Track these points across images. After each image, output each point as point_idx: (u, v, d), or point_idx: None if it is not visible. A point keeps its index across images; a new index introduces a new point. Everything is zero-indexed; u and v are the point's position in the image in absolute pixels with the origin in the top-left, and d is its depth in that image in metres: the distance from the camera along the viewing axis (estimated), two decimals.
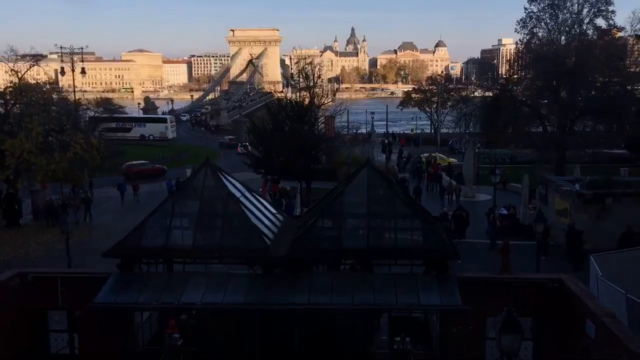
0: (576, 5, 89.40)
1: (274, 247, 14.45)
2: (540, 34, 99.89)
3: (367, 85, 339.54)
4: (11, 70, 32.33)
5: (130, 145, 71.40)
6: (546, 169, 42.27)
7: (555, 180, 29.09)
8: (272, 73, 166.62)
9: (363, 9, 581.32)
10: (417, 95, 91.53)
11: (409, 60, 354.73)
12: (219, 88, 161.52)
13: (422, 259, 14.01)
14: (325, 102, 46.24)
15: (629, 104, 38.59)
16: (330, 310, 13.48)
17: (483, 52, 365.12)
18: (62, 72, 65.16)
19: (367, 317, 14.63)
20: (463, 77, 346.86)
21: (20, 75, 32.43)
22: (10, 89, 32.96)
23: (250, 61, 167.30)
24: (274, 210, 16.78)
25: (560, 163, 38.17)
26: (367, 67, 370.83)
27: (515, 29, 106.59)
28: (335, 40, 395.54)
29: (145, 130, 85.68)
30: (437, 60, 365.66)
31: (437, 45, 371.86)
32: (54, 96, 41.08)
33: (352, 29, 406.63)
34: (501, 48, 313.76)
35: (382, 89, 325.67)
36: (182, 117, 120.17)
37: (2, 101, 31.80)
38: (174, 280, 14.22)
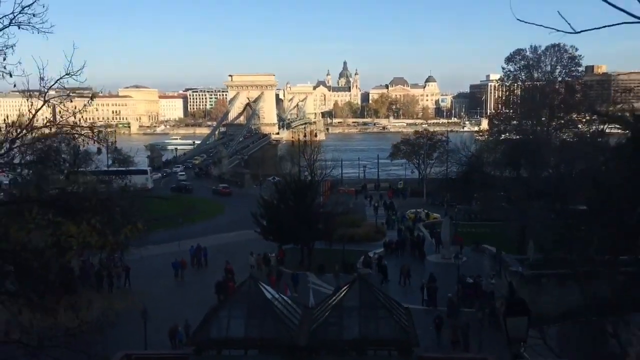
0: (549, 66, 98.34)
1: (296, 337, 21.68)
2: (517, 92, 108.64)
3: (360, 120, 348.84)
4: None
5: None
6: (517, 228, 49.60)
7: (507, 260, 36.47)
8: (268, 116, 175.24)
9: (354, 42, 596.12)
10: (405, 147, 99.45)
11: (400, 95, 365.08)
12: (217, 131, 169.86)
13: (394, 346, 21.32)
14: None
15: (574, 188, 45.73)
16: None
17: (472, 87, 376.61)
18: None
19: None
20: (453, 111, 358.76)
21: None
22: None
23: (247, 104, 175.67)
24: (295, 307, 24.07)
25: (521, 235, 45.04)
26: (359, 102, 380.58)
27: (496, 87, 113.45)
28: (328, 74, 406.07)
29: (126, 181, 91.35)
30: (427, 95, 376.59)
31: (427, 80, 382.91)
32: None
33: (345, 63, 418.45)
34: (489, 83, 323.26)
35: (374, 124, 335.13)
36: (175, 168, 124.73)
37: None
38: None
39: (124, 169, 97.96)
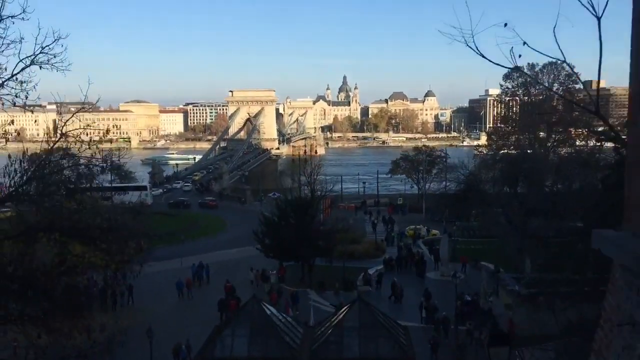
0: (546, 83, 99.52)
1: (298, 355, 22.38)
2: (515, 109, 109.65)
3: (360, 134, 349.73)
4: None
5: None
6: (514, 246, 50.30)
7: (503, 278, 37.18)
8: (268, 131, 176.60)
9: (354, 56, 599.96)
10: (404, 164, 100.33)
11: (400, 110, 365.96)
12: (218, 146, 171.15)
13: None
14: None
15: (571, 205, 46.50)
16: None
17: (471, 101, 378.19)
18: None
19: None
20: (452, 125, 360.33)
21: None
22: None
23: (248, 119, 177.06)
24: (296, 326, 24.80)
25: (519, 253, 45.62)
26: (359, 116, 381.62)
27: (494, 103, 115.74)
28: (328, 89, 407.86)
29: (126, 197, 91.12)
30: (426, 109, 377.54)
31: (426, 95, 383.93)
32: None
33: (344, 77, 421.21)
34: (488, 98, 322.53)
35: (374, 138, 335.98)
36: (176, 184, 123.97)
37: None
38: None
39: (123, 185, 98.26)
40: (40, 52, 14.02)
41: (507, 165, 56.03)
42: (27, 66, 14.05)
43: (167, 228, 72.87)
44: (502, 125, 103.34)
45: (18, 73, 14.02)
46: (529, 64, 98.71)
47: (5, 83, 14.01)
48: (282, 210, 49.58)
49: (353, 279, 47.30)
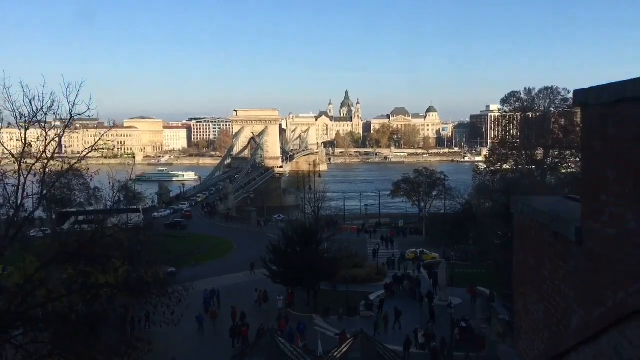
0: (542, 107, 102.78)
1: None
2: (512, 132, 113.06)
3: (362, 150, 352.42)
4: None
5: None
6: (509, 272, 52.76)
7: (495, 307, 39.85)
8: (272, 150, 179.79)
9: (356, 71, 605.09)
10: (405, 186, 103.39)
11: (402, 125, 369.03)
12: (223, 165, 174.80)
13: None
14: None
15: None
16: None
17: (472, 117, 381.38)
18: None
19: None
20: (454, 140, 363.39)
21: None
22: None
23: (252, 138, 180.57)
24: (305, 356, 27.61)
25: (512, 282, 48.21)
26: (361, 132, 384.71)
27: (491, 126, 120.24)
28: (330, 103, 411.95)
29: (119, 220, 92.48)
30: (428, 125, 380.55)
31: (428, 111, 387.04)
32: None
33: (346, 92, 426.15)
34: (489, 114, 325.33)
35: (376, 154, 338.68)
36: (182, 205, 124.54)
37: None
38: None
39: (117, 208, 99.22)
40: (99, 140, 17.05)
41: (502, 193, 58.89)
42: (90, 152, 17.10)
43: (173, 251, 74.70)
44: (501, 149, 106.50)
45: (84, 157, 17.08)
46: (525, 88, 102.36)
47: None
48: (289, 238, 52.45)
49: (356, 304, 50.06)
